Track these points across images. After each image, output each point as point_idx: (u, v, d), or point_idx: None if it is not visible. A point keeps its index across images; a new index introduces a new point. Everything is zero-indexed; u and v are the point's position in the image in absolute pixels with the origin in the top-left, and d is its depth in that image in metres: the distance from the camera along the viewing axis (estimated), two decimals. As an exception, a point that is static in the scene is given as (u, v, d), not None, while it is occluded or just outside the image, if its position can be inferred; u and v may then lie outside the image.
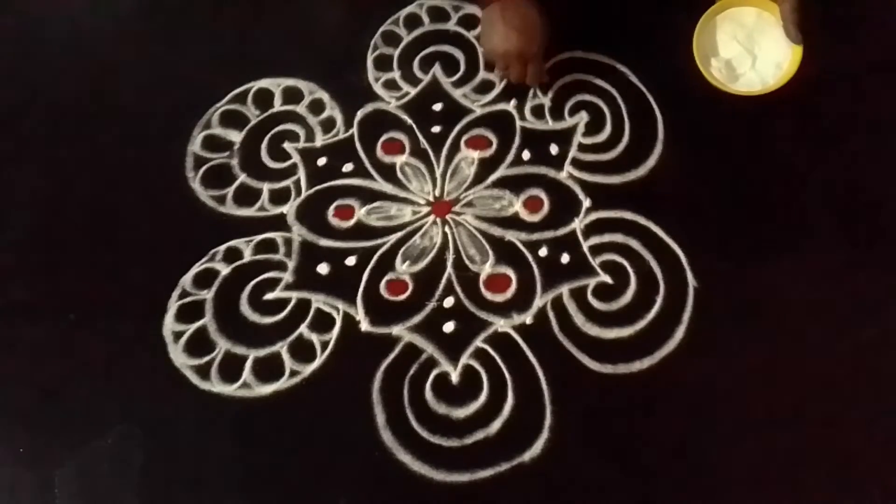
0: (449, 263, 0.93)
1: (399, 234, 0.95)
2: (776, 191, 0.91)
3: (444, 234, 0.95)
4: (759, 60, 0.91)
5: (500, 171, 0.99)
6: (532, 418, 0.84)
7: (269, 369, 0.88)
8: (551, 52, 1.06)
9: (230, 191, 0.99)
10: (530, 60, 0.95)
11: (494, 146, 1.01)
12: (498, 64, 0.98)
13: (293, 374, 0.87)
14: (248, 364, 0.88)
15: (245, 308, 0.91)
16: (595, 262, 0.92)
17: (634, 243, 0.93)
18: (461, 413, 0.85)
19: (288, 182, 1.00)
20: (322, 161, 1.01)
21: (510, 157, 1.00)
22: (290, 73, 1.07)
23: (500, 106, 1.03)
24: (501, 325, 0.89)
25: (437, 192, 0.98)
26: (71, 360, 0.89)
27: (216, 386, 0.87)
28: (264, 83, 1.07)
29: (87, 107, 1.06)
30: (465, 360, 0.87)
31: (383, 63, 1.07)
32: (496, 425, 0.84)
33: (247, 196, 0.99)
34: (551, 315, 0.89)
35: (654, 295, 0.90)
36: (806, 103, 0.95)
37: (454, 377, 0.87)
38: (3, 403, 0.87)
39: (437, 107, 1.04)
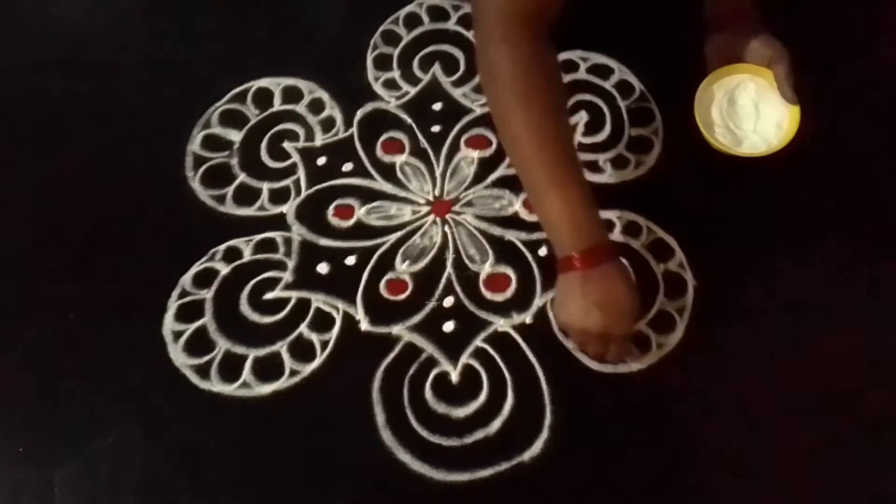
0: (449, 263, 0.93)
1: (399, 234, 0.95)
2: (776, 190, 0.91)
3: (444, 234, 0.95)
4: (761, 122, 0.92)
5: (500, 171, 0.99)
6: (532, 418, 0.84)
7: (268, 369, 0.88)
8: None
9: (230, 190, 0.99)
10: (613, 341, 0.82)
11: (494, 145, 1.00)
12: (573, 338, 0.86)
13: (293, 373, 0.87)
14: (248, 364, 0.88)
15: (245, 308, 0.91)
16: (595, 262, 0.92)
17: (634, 243, 0.93)
18: (461, 413, 0.85)
19: (288, 181, 1.00)
20: (322, 160, 1.01)
21: (510, 157, 1.00)
22: (290, 73, 1.07)
23: (500, 105, 1.03)
24: (501, 324, 0.89)
25: (437, 192, 0.98)
26: (71, 359, 0.89)
27: (216, 385, 0.87)
28: (264, 82, 1.07)
29: (86, 106, 1.06)
30: (464, 359, 0.87)
31: (383, 62, 1.07)
32: (496, 425, 0.84)
33: (246, 195, 0.99)
34: (551, 314, 0.89)
35: (653, 294, 0.90)
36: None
37: (454, 377, 0.87)
38: (3, 403, 0.87)
39: (437, 106, 1.04)
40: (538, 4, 0.78)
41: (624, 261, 0.83)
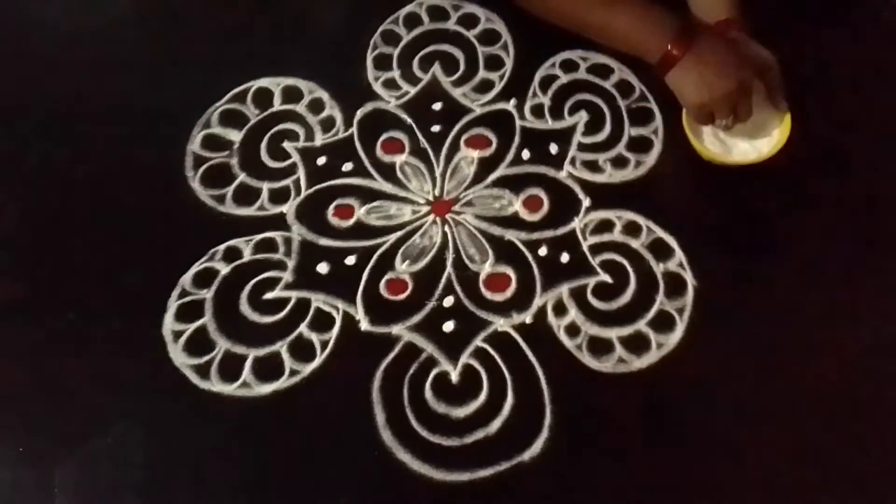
0: (449, 263, 0.93)
1: (399, 234, 0.95)
2: (776, 190, 0.91)
3: (444, 234, 0.95)
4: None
5: (500, 171, 0.99)
6: (532, 418, 0.84)
7: (268, 369, 0.88)
8: (551, 52, 1.07)
9: (230, 190, 0.99)
10: (767, 80, 0.88)
11: (494, 145, 1.01)
12: (718, 109, 0.87)
13: (293, 373, 0.87)
14: (248, 363, 0.88)
15: (245, 307, 0.91)
16: (595, 262, 0.92)
17: (634, 243, 0.93)
18: (461, 412, 0.85)
19: (287, 181, 1.00)
20: (322, 160, 1.01)
21: (510, 157, 1.00)
22: (290, 73, 1.07)
23: (500, 105, 1.04)
24: (501, 324, 0.89)
25: (437, 192, 0.98)
26: (71, 359, 0.89)
27: (216, 385, 0.87)
28: (264, 82, 1.07)
29: (86, 106, 1.06)
30: (464, 359, 0.87)
31: (383, 62, 1.07)
32: (496, 425, 0.84)
33: (246, 195, 0.99)
34: (551, 314, 0.90)
35: (653, 294, 0.90)
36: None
37: (454, 376, 0.87)
38: (3, 403, 0.87)
39: (437, 106, 1.04)
40: None
41: (708, 32, 0.87)
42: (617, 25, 0.85)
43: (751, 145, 0.92)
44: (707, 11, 0.93)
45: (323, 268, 0.93)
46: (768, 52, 0.90)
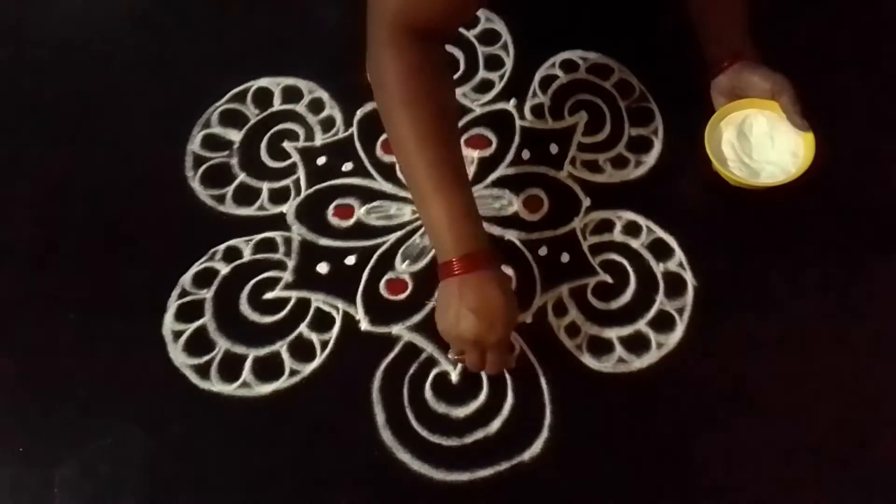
0: (449, 263, 0.93)
1: (399, 234, 0.95)
2: (776, 190, 0.91)
3: (444, 234, 0.95)
4: (776, 153, 0.92)
5: (500, 171, 0.99)
6: (532, 418, 0.84)
7: (268, 369, 0.88)
8: (551, 52, 1.07)
9: (230, 190, 0.99)
10: (490, 348, 0.79)
11: (494, 145, 1.01)
12: (452, 347, 0.83)
13: (293, 373, 0.87)
14: (248, 363, 0.88)
15: (245, 307, 0.91)
16: (595, 262, 0.92)
17: (634, 243, 0.93)
18: (461, 412, 0.85)
19: (287, 181, 1.00)
20: (322, 160, 1.01)
21: (510, 157, 1.00)
22: (290, 72, 1.07)
23: (500, 105, 1.04)
24: (501, 324, 0.89)
25: (437, 192, 0.98)
26: (71, 359, 0.89)
27: (216, 385, 0.87)
28: (264, 82, 1.07)
29: (86, 106, 1.06)
30: (464, 359, 0.88)
31: (383, 62, 1.07)
32: (496, 424, 0.84)
33: (246, 195, 0.99)
34: (551, 314, 0.90)
35: (653, 294, 0.90)
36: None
37: (454, 376, 0.87)
38: (3, 403, 0.87)
39: (437, 106, 1.04)
40: (427, 19, 0.76)
41: (508, 270, 0.87)
42: (431, 206, 0.77)
43: (778, 167, 0.91)
44: (718, 40, 0.94)
45: (323, 268, 0.93)
46: (781, 75, 0.91)
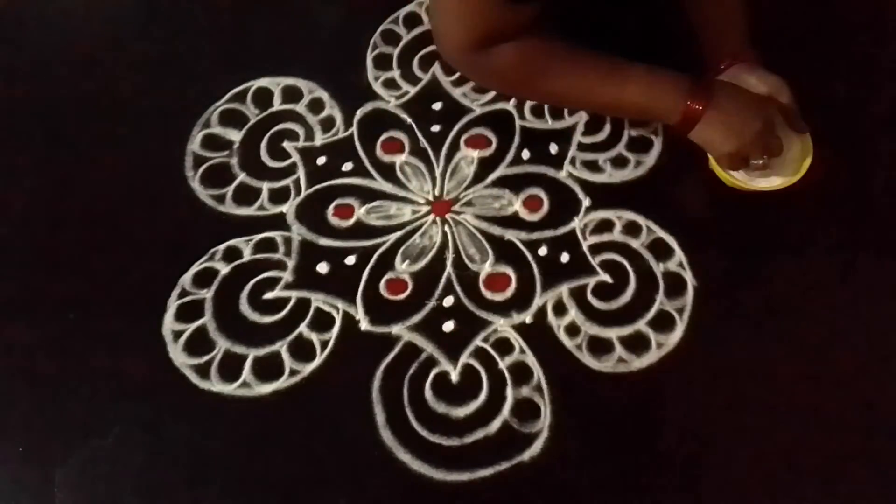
0: (448, 263, 0.93)
1: (399, 234, 0.95)
2: (775, 190, 0.91)
3: (444, 234, 0.95)
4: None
5: (500, 171, 0.99)
6: (532, 418, 0.84)
7: (268, 369, 0.88)
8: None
9: (229, 190, 0.99)
10: (787, 116, 0.87)
11: (494, 145, 1.01)
12: (753, 151, 0.86)
13: (293, 373, 0.87)
14: (248, 363, 0.88)
15: (245, 307, 0.91)
16: (595, 262, 0.92)
17: (634, 242, 0.93)
18: (461, 412, 0.85)
19: (287, 181, 1.00)
20: (321, 160, 1.01)
21: (510, 157, 1.00)
22: (290, 72, 1.07)
23: (500, 105, 1.03)
24: (501, 324, 0.89)
25: (437, 192, 0.98)
26: (71, 360, 0.89)
27: (216, 385, 0.87)
28: (264, 82, 1.07)
29: (86, 106, 1.06)
30: (464, 359, 0.87)
31: (383, 62, 1.07)
32: (496, 424, 0.84)
33: (246, 195, 0.99)
34: (551, 314, 0.90)
35: (653, 294, 0.90)
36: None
37: (454, 376, 0.87)
38: (3, 403, 0.87)
39: (437, 106, 1.04)
40: (491, 30, 0.83)
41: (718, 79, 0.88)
42: (629, 98, 0.86)
43: (776, 171, 0.91)
44: (717, 42, 0.94)
45: (323, 268, 0.93)
46: (778, 77, 0.90)
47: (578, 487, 0.81)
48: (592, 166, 0.99)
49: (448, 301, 0.91)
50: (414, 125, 1.03)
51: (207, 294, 0.92)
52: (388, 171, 1.00)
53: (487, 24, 0.84)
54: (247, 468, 0.83)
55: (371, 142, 1.02)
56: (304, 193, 0.99)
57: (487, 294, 0.91)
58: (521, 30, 0.86)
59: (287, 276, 0.93)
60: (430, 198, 0.98)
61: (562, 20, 0.90)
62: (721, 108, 0.83)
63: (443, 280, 0.92)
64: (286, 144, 1.02)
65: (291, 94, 1.06)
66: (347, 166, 1.00)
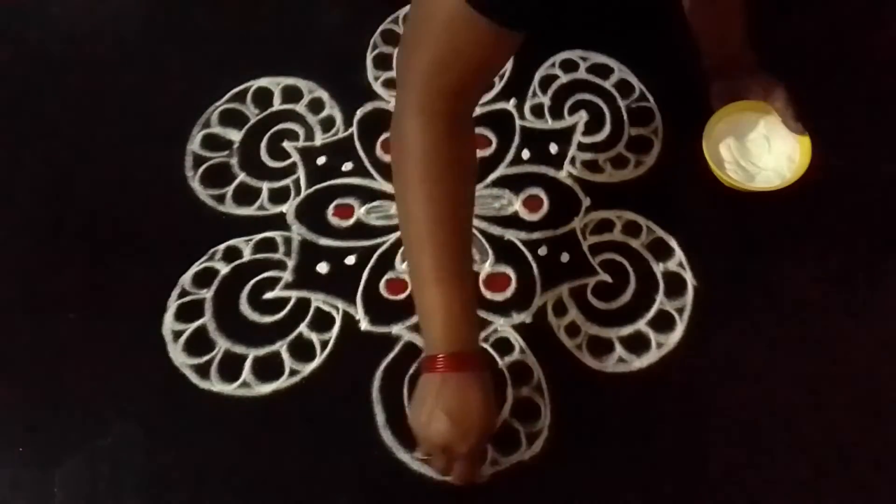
0: (449, 263, 0.93)
1: (399, 234, 0.95)
2: (775, 191, 0.91)
3: (444, 234, 0.95)
4: (773, 157, 0.93)
5: (500, 171, 0.99)
6: (532, 418, 0.84)
7: (268, 368, 0.88)
8: (551, 52, 1.07)
9: (230, 190, 0.99)
10: (459, 457, 0.74)
11: (494, 145, 1.00)
12: (420, 447, 0.78)
13: (293, 373, 0.87)
14: (248, 363, 0.88)
15: (245, 307, 0.91)
16: (595, 261, 0.92)
17: (634, 242, 0.93)
18: (461, 412, 0.85)
19: (287, 181, 1.00)
20: (321, 160, 1.01)
21: (510, 157, 1.00)
22: (290, 72, 1.07)
23: (500, 105, 1.03)
24: (501, 324, 0.89)
25: (437, 192, 0.98)
26: (71, 359, 0.89)
27: (216, 385, 0.87)
28: (264, 82, 1.07)
29: (86, 106, 1.06)
30: (464, 359, 0.87)
31: (383, 62, 1.07)
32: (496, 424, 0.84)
33: (246, 195, 0.99)
34: (551, 314, 0.90)
35: (653, 294, 0.90)
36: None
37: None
38: (3, 403, 0.87)
39: (437, 106, 1.04)
40: (463, 84, 0.71)
41: (486, 377, 0.75)
42: (428, 294, 0.73)
43: (774, 172, 0.91)
44: (715, 45, 0.94)
45: (323, 267, 0.93)
46: (775, 79, 0.91)
47: (578, 487, 0.81)
48: (592, 166, 0.99)
49: (448, 301, 0.91)
50: (414, 125, 1.02)
51: (207, 294, 0.92)
52: (387, 171, 0.99)
53: (472, 59, 0.70)
54: (247, 468, 0.83)
55: (371, 141, 1.02)
56: (304, 193, 0.99)
57: (487, 294, 0.91)
58: (480, 91, 0.79)
59: (287, 275, 0.93)
60: (430, 198, 0.98)
61: (562, 24, 0.90)
62: (443, 390, 0.72)
63: (443, 280, 0.92)
64: (286, 144, 1.02)
65: (291, 94, 1.06)
66: (347, 166, 1.00)
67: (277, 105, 1.05)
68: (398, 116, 0.74)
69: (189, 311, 0.91)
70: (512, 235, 0.95)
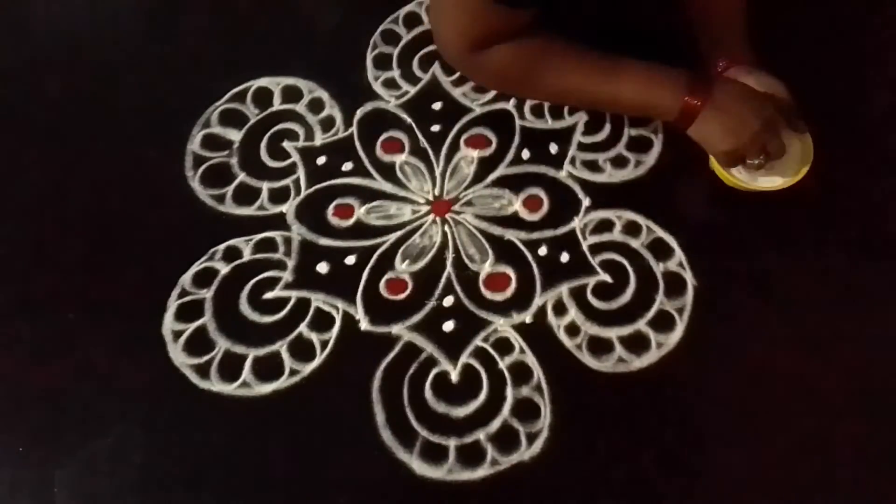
0: (448, 262, 0.93)
1: (399, 234, 0.95)
2: (776, 190, 0.91)
3: (444, 233, 0.95)
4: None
5: (500, 170, 0.99)
6: (532, 418, 0.84)
7: (268, 368, 0.88)
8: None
9: (229, 190, 0.99)
10: (786, 111, 0.86)
11: (494, 145, 1.00)
12: (751, 150, 0.85)
13: (293, 373, 0.87)
14: (248, 363, 0.88)
15: (244, 307, 0.91)
16: (595, 261, 0.92)
17: (634, 242, 0.93)
18: (461, 412, 0.85)
19: (287, 181, 1.00)
20: (321, 160, 1.01)
21: (510, 156, 1.00)
22: (290, 72, 1.07)
23: (500, 105, 1.03)
24: (501, 324, 0.89)
25: (437, 191, 0.98)
26: (71, 360, 0.89)
27: (216, 385, 0.87)
28: (263, 82, 1.07)
29: (86, 106, 1.06)
30: (464, 359, 0.87)
31: (383, 62, 1.07)
32: (496, 424, 0.84)
33: (246, 195, 0.99)
34: (551, 314, 0.90)
35: (653, 294, 0.90)
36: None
37: (454, 376, 0.87)
38: (3, 403, 0.87)
39: (437, 106, 1.04)
40: (489, 32, 0.85)
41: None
42: (626, 94, 0.86)
43: (776, 171, 0.91)
44: (715, 44, 0.94)
45: (323, 267, 0.93)
46: (775, 79, 0.90)
47: (578, 487, 0.81)
48: (592, 166, 0.99)
49: (448, 301, 0.91)
50: (414, 125, 1.03)
51: (207, 294, 0.92)
52: (388, 171, 1.00)
53: (483, 27, 0.85)
54: (247, 468, 0.83)
55: (371, 141, 1.02)
56: (304, 193, 0.99)
57: (487, 294, 0.91)
58: (518, 31, 0.87)
59: (287, 275, 0.93)
60: (430, 197, 0.98)
61: (561, 21, 0.90)
62: (719, 106, 0.83)
63: (443, 280, 0.92)
64: (286, 144, 1.02)
65: (291, 94, 1.06)
66: (347, 166, 1.00)
67: (277, 105, 1.05)
68: (466, 57, 0.90)
69: (189, 311, 0.91)
70: (512, 235, 0.95)
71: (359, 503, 0.81)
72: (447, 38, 0.91)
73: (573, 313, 0.90)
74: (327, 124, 1.03)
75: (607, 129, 1.01)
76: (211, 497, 0.82)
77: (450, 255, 0.94)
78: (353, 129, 1.03)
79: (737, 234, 0.93)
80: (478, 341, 0.88)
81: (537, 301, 0.90)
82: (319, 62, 1.08)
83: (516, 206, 0.96)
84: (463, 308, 0.90)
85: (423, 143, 1.01)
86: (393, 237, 0.95)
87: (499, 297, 0.91)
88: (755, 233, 0.93)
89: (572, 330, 0.89)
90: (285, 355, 0.88)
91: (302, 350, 0.88)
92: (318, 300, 0.91)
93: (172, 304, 0.91)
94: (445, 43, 0.92)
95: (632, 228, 0.94)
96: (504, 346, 0.88)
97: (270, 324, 0.90)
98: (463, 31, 0.87)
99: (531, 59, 0.89)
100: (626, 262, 0.92)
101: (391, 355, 0.88)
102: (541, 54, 0.88)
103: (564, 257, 0.93)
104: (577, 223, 0.95)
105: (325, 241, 0.95)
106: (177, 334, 0.90)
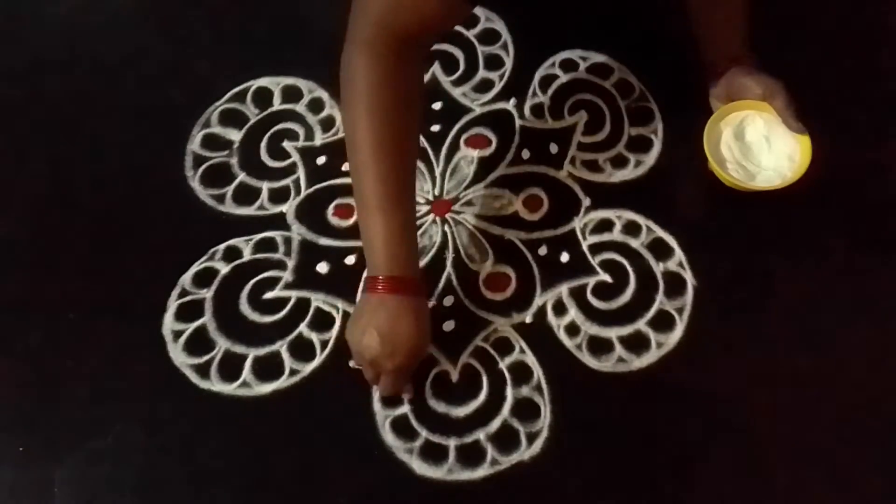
0: (448, 262, 0.93)
1: (399, 234, 0.95)
2: (775, 190, 0.91)
3: (444, 233, 0.95)
4: (773, 156, 0.92)
5: (500, 170, 0.99)
6: (532, 418, 0.84)
7: (268, 368, 0.88)
8: (551, 52, 1.07)
9: (229, 190, 0.99)
10: (385, 373, 0.80)
11: (494, 145, 1.01)
12: (353, 358, 0.83)
13: (293, 373, 0.87)
14: (248, 363, 0.88)
15: (245, 307, 0.91)
16: (594, 261, 0.92)
17: (634, 242, 0.93)
18: (461, 412, 0.85)
19: (287, 181, 1.00)
20: (321, 160, 1.01)
21: (510, 156, 1.00)
22: (290, 72, 1.07)
23: (500, 105, 1.04)
24: (501, 324, 0.89)
25: (437, 191, 0.98)
26: (71, 360, 0.89)
27: (216, 385, 0.87)
28: (263, 82, 1.07)
29: (86, 106, 1.06)
30: (464, 359, 0.88)
31: (383, 62, 1.07)
32: (496, 424, 0.84)
33: (246, 195, 0.99)
34: (551, 314, 0.90)
35: (653, 294, 0.90)
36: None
37: (454, 376, 0.87)
38: (3, 403, 0.87)
39: (437, 105, 1.04)
40: (412, 23, 0.75)
41: (429, 304, 0.84)
42: (372, 221, 0.78)
43: (775, 171, 0.91)
44: (715, 45, 0.94)
45: (323, 267, 0.93)
46: (774, 79, 0.91)
47: (578, 487, 0.81)
48: (592, 166, 0.99)
49: (448, 301, 0.91)
50: (414, 125, 1.02)
51: (207, 294, 0.92)
52: (388, 171, 0.99)
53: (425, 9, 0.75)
54: (247, 468, 0.83)
55: (371, 141, 1.01)
56: (304, 193, 0.99)
57: (487, 294, 0.91)
58: (432, 38, 0.83)
59: (287, 275, 0.93)
60: (430, 197, 0.98)
61: (561, 19, 0.90)
62: (378, 310, 0.77)
63: (443, 280, 0.92)
64: (286, 144, 1.02)
65: (291, 94, 1.06)
66: (347, 166, 1.00)
67: (277, 105, 1.05)
68: (349, 49, 0.79)
69: (189, 311, 0.91)
70: (512, 235, 0.95)
71: (359, 503, 0.81)
72: (372, 16, 0.77)
73: (573, 313, 0.90)
74: (327, 124, 1.03)
75: (607, 129, 1.01)
76: (211, 497, 0.82)
77: (450, 255, 0.94)
78: (353, 129, 1.03)
79: (737, 234, 0.93)
80: (478, 341, 0.88)
81: (537, 301, 0.90)
82: (320, 62, 1.07)
83: (516, 205, 0.96)
84: (463, 308, 0.90)
85: (423, 142, 1.01)
86: (393, 237, 0.95)
87: (499, 297, 0.91)
88: (755, 233, 0.94)
89: (572, 330, 0.89)
90: (285, 355, 0.88)
91: (302, 350, 0.88)
92: (318, 300, 0.91)
93: (172, 304, 0.91)
94: (365, 24, 0.78)
95: (632, 228, 0.94)
96: (504, 346, 0.88)
97: (270, 324, 0.90)
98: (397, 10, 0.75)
99: (359, 94, 0.78)
100: (625, 262, 0.92)
101: (391, 355, 0.88)
102: (365, 97, 0.77)
103: (564, 257, 0.93)
104: (577, 223, 0.95)
105: (325, 241, 0.95)
106: (177, 334, 0.90)
